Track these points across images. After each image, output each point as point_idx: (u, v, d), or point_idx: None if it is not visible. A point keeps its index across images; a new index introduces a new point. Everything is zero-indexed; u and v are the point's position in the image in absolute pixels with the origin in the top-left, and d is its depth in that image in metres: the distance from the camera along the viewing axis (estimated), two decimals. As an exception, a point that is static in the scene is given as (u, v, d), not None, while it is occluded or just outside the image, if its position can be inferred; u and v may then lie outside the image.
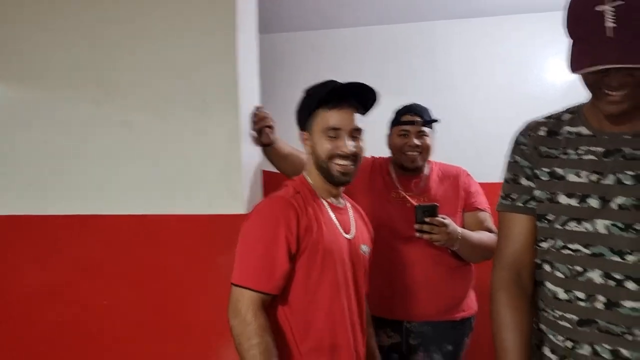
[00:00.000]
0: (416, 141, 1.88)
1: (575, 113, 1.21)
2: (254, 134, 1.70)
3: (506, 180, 1.29)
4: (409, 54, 3.14)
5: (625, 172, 1.09)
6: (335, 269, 1.37)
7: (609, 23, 0.96)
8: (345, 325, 1.38)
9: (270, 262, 1.30)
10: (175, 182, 1.64)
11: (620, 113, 1.07)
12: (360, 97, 1.43)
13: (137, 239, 1.67)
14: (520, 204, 1.24)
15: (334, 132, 1.40)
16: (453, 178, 1.95)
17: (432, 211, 1.72)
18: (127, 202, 1.67)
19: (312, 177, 1.47)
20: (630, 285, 1.07)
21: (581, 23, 1.03)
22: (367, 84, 1.41)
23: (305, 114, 1.46)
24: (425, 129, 1.90)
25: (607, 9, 0.96)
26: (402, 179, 1.94)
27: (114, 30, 1.68)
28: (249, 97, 1.69)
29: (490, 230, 1.86)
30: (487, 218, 1.90)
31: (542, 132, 1.23)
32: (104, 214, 1.69)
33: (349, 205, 1.55)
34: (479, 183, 2.02)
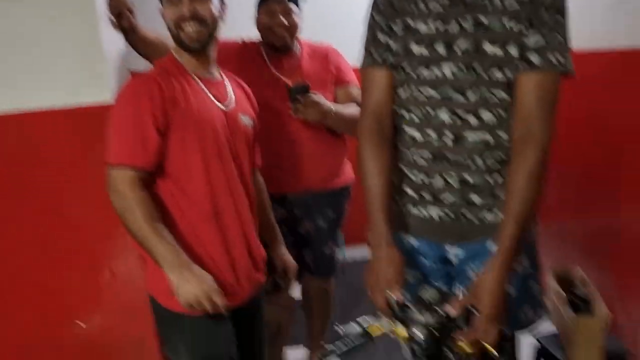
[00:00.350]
0: (283, 19, 1.89)
1: None
2: (112, 17, 1.61)
3: (366, 39, 1.38)
4: None
5: (467, 17, 1.21)
6: (209, 139, 1.41)
7: None
8: (227, 193, 1.45)
9: (140, 137, 1.32)
10: (33, 74, 1.53)
11: None
12: None
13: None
14: (378, 58, 1.34)
15: None
16: (323, 55, 2.01)
17: (305, 90, 1.80)
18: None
19: (178, 53, 1.47)
20: (472, 119, 1.24)
21: None
22: None
23: None
24: (292, 6, 1.90)
25: None
26: (274, 59, 1.96)
27: None
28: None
29: (359, 104, 1.97)
30: (357, 92, 1.99)
31: None
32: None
33: (226, 78, 1.57)
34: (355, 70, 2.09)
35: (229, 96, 1.52)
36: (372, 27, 1.35)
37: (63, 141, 1.58)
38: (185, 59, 1.46)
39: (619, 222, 2.13)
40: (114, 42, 1.63)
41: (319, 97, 1.82)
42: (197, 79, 1.46)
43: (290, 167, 1.92)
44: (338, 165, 2.06)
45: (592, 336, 1.33)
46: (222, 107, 1.48)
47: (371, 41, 1.35)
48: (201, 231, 1.43)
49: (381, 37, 1.33)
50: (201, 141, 1.40)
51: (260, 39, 1.99)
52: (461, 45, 1.22)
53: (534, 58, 1.18)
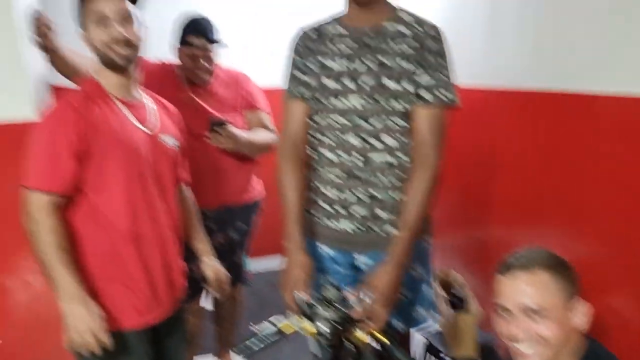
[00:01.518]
0: (205, 63, 2.05)
1: (335, 18, 1.57)
2: (37, 38, 1.66)
3: (287, 76, 1.60)
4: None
5: (368, 56, 1.46)
6: (130, 162, 1.45)
7: None
8: (145, 216, 1.50)
9: (54, 163, 1.35)
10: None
11: (364, 3, 1.45)
12: None
13: None
14: (296, 92, 1.57)
15: (103, 20, 1.41)
16: (236, 81, 2.19)
17: (222, 124, 2.00)
18: None
19: (100, 75, 1.48)
20: (376, 143, 1.48)
21: None
22: None
23: (78, 12, 1.46)
24: (212, 46, 2.06)
25: None
26: (190, 83, 2.11)
27: None
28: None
29: (268, 129, 2.20)
30: (267, 118, 2.23)
31: (311, 33, 1.57)
32: None
33: (148, 99, 1.61)
34: (266, 90, 2.27)
35: (152, 119, 1.56)
36: (292, 65, 1.59)
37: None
38: (106, 81, 1.48)
39: (491, 233, 2.48)
40: (36, 60, 1.68)
41: (234, 129, 2.01)
42: (118, 101, 1.48)
43: (207, 184, 2.06)
44: (249, 182, 2.24)
45: (467, 330, 1.50)
46: (143, 129, 1.52)
47: (290, 78, 1.59)
48: (120, 250, 1.46)
49: (298, 74, 1.56)
50: (121, 164, 1.43)
51: (179, 64, 2.11)
52: (365, 80, 1.46)
53: (425, 94, 1.45)
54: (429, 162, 1.44)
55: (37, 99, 1.65)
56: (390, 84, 1.45)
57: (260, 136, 2.15)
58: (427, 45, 1.44)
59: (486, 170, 2.38)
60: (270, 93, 2.28)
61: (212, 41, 2.05)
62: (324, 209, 1.57)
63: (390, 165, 1.49)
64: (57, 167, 1.35)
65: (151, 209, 1.52)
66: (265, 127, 2.19)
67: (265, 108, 2.23)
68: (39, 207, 1.34)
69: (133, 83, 1.53)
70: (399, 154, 1.49)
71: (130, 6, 1.46)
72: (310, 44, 1.54)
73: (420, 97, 1.45)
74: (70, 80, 1.82)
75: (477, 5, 2.30)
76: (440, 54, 1.46)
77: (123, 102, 1.50)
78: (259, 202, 2.31)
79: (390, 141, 1.48)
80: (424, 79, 1.44)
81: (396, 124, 1.47)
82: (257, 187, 2.29)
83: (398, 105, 1.45)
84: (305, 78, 1.55)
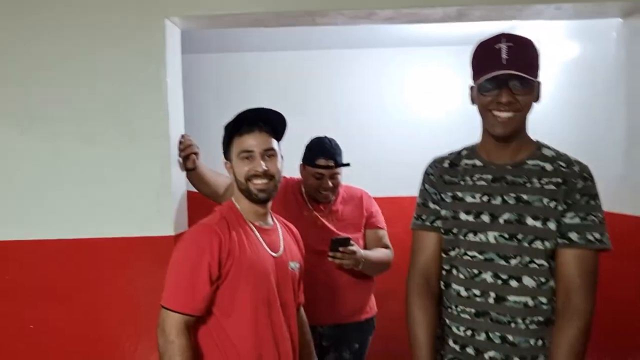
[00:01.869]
0: (330, 184, 2.12)
1: (471, 149, 1.54)
2: (180, 160, 1.83)
3: (418, 204, 1.58)
4: (314, 78, 3.38)
5: (510, 194, 1.41)
6: (259, 287, 1.49)
7: (504, 55, 1.34)
8: (270, 340, 1.52)
9: (192, 287, 1.42)
10: (106, 207, 1.73)
11: (506, 134, 1.40)
12: (270, 122, 1.58)
13: (67, 262, 1.73)
14: (428, 223, 1.53)
15: (247, 155, 1.53)
16: (357, 199, 2.23)
17: (345, 243, 1.99)
18: (54, 227, 1.73)
19: (239, 202, 1.60)
20: (513, 283, 1.39)
21: (486, 56, 1.38)
22: (274, 108, 1.56)
23: (225, 144, 1.60)
24: (338, 169, 2.13)
25: (503, 46, 1.34)
26: (313, 201, 2.18)
27: (42, 59, 1.73)
28: (177, 126, 1.82)
29: (386, 246, 2.19)
30: (385, 235, 2.22)
31: (445, 164, 1.54)
32: (32, 239, 1.73)
33: (278, 224, 1.68)
34: (376, 197, 2.31)
35: (280, 244, 1.62)
36: (424, 195, 1.56)
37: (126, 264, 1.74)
38: (244, 207, 1.57)
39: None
40: (180, 180, 1.83)
41: (356, 248, 2.01)
42: (253, 227, 1.56)
43: (323, 302, 2.05)
44: (366, 301, 2.19)
45: None
46: (274, 254, 1.57)
47: (422, 207, 1.55)
48: None
49: (431, 205, 1.53)
50: (252, 289, 1.48)
51: (302, 180, 2.20)
52: (506, 218, 1.40)
53: (573, 236, 1.35)
54: (579, 312, 1.31)
55: (178, 216, 1.78)
56: (534, 223, 1.37)
57: (380, 255, 2.13)
58: (576, 185, 1.37)
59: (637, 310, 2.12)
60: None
61: (340, 164, 2.12)
62: (452, 347, 1.47)
63: (527, 307, 1.38)
64: (195, 291, 1.42)
65: (274, 335, 1.53)
66: (384, 245, 2.18)
67: (384, 225, 2.23)
68: (173, 326, 1.40)
69: (268, 210, 1.62)
70: (538, 296, 1.38)
71: (274, 143, 1.58)
72: (445, 176, 1.52)
73: (568, 238, 1.36)
74: (201, 193, 1.96)
75: (614, 129, 2.18)
76: (591, 194, 1.37)
77: (257, 228, 1.58)
78: (374, 318, 2.24)
79: (529, 282, 1.38)
80: (573, 220, 1.36)
81: (538, 265, 1.38)
82: (372, 304, 2.24)
83: (542, 246, 1.37)
84: (438, 210, 1.51)
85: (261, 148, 1.54)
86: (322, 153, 2.10)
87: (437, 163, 1.56)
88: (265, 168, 1.53)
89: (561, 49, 2.48)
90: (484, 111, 1.41)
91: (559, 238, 1.37)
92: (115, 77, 1.73)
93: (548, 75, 2.53)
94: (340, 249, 1.97)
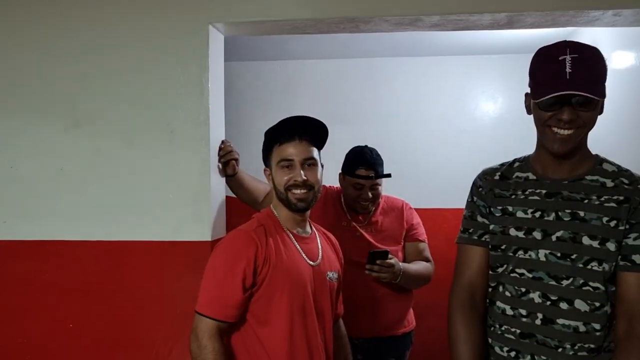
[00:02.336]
0: (370, 194, 2.07)
1: (524, 162, 1.46)
2: (220, 166, 1.82)
3: (465, 217, 1.51)
4: (356, 87, 3.35)
5: (565, 210, 1.32)
6: (296, 296, 1.46)
7: (568, 69, 1.23)
8: (305, 350, 1.48)
9: (225, 293, 1.41)
10: (144, 209, 1.74)
11: (565, 152, 1.31)
12: (311, 130, 1.56)
13: (104, 264, 1.74)
14: (476, 237, 1.45)
15: (287, 164, 1.51)
16: (398, 211, 2.17)
17: (384, 256, 1.93)
18: (94, 228, 1.75)
19: (277, 209, 1.58)
20: (564, 305, 1.30)
21: (546, 68, 1.29)
22: (315, 116, 1.54)
23: (266, 152, 1.60)
24: (379, 180, 2.08)
25: (567, 58, 1.24)
26: (352, 210, 2.13)
27: (86, 60, 1.77)
28: (218, 131, 1.82)
29: (427, 259, 2.12)
30: (425, 248, 2.15)
31: (496, 176, 1.46)
32: (71, 240, 1.75)
33: (317, 233, 1.65)
34: (417, 209, 2.25)
35: (319, 253, 1.59)
36: (472, 208, 1.48)
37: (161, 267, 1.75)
38: (282, 215, 1.56)
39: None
40: (219, 185, 1.83)
41: (394, 261, 1.94)
42: (291, 236, 1.54)
43: (360, 314, 2.00)
44: (404, 314, 2.13)
45: None
46: (311, 263, 1.54)
47: (470, 220, 1.48)
48: None
49: (479, 219, 1.45)
50: (288, 298, 1.45)
51: (341, 190, 2.16)
52: (560, 236, 1.31)
53: (637, 259, 1.26)
54: None
55: (216, 222, 1.77)
56: (591, 243, 1.28)
57: (420, 268, 2.06)
58: (638, 201, 1.27)
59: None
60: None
61: (381, 175, 2.07)
62: None
63: (577, 332, 1.29)
64: (228, 298, 1.41)
65: (309, 345, 1.50)
66: (425, 258, 2.11)
67: (425, 238, 2.17)
68: (205, 331, 1.39)
69: (307, 219, 1.60)
70: (591, 321, 1.28)
71: (314, 152, 1.55)
72: (496, 189, 1.43)
73: (632, 261, 1.26)
74: (239, 199, 1.95)
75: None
76: None
77: (295, 236, 1.55)
78: (412, 332, 2.17)
79: (582, 305, 1.29)
80: (637, 242, 1.26)
81: (592, 288, 1.28)
82: (410, 318, 2.17)
83: (598, 268, 1.28)
84: (487, 223, 1.44)
85: (301, 157, 1.52)
86: (363, 163, 2.06)
87: (487, 175, 1.48)
88: (305, 178, 1.51)
89: (617, 57, 2.36)
90: (542, 126, 1.32)
91: (621, 260, 1.27)
92: (159, 80, 1.74)
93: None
94: (378, 261, 1.91)
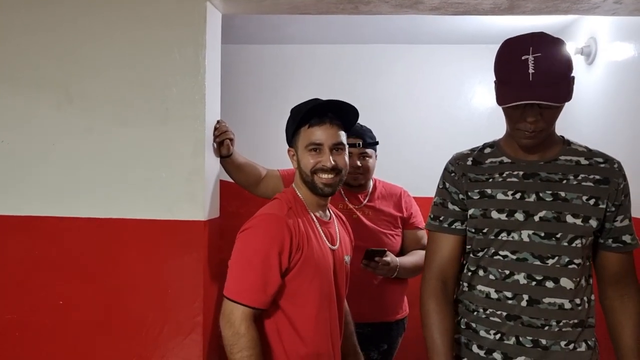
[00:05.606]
0: (358, 162, 2.05)
1: (494, 146, 1.47)
2: (215, 146, 1.80)
3: (435, 204, 1.51)
4: (353, 72, 3.33)
5: (546, 191, 1.34)
6: (322, 281, 1.46)
7: (531, 69, 1.22)
8: (327, 334, 1.49)
9: (264, 281, 1.38)
10: (136, 187, 1.72)
11: (533, 146, 1.35)
12: (341, 113, 1.54)
13: (96, 241, 1.72)
14: (446, 225, 1.46)
15: (316, 147, 1.49)
16: (396, 197, 2.16)
17: (381, 254, 1.92)
18: (85, 205, 1.73)
19: (301, 191, 1.56)
20: (550, 284, 1.32)
21: (509, 68, 1.28)
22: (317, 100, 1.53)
23: (291, 132, 1.56)
24: (368, 150, 2.08)
25: (530, 58, 1.23)
26: (349, 193, 2.12)
27: (80, 38, 1.73)
28: (213, 110, 1.79)
29: (424, 247, 2.08)
30: (424, 236, 2.14)
31: (469, 161, 1.46)
32: (61, 216, 1.73)
33: (334, 216, 1.66)
34: (415, 197, 2.24)
35: (337, 237, 1.59)
36: (443, 195, 1.49)
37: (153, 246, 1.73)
38: (306, 197, 1.54)
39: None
40: (213, 165, 1.81)
41: (391, 259, 1.94)
42: (315, 219, 1.53)
43: (354, 299, 1.97)
44: (398, 301, 2.13)
45: None
46: (332, 247, 1.54)
47: (441, 208, 1.48)
48: None
49: (450, 206, 1.46)
50: (317, 282, 1.45)
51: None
52: (543, 216, 1.33)
53: (627, 238, 1.35)
54: (636, 299, 1.38)
55: (211, 202, 1.76)
56: (576, 221, 1.31)
57: (417, 259, 2.05)
58: (620, 185, 1.34)
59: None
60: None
61: (369, 144, 2.07)
62: (477, 355, 1.39)
63: (562, 309, 1.32)
64: (266, 285, 1.38)
65: (332, 331, 1.51)
66: (423, 246, 2.09)
67: (423, 225, 2.15)
68: (242, 319, 1.37)
69: (328, 203, 1.59)
70: (574, 297, 1.33)
71: (343, 137, 1.53)
72: (470, 174, 1.44)
73: (623, 242, 1.34)
74: (235, 181, 1.93)
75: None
76: (628, 193, 1.36)
77: (318, 220, 1.54)
78: (405, 319, 2.17)
79: (567, 283, 1.32)
80: (624, 223, 1.34)
81: (576, 265, 1.32)
82: (404, 304, 2.17)
83: (581, 245, 1.32)
84: (458, 211, 1.45)
85: (330, 142, 1.50)
86: (350, 133, 2.04)
87: (459, 160, 1.48)
88: (334, 163, 1.49)
89: (614, 47, 2.35)
90: (509, 122, 1.35)
91: (613, 242, 1.34)
92: (153, 57, 1.71)
93: (599, 75, 2.43)
94: (376, 258, 1.90)
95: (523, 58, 1.23)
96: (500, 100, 1.29)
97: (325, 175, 1.49)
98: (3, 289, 1.74)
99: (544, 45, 1.24)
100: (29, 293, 1.73)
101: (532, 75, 1.22)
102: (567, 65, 1.27)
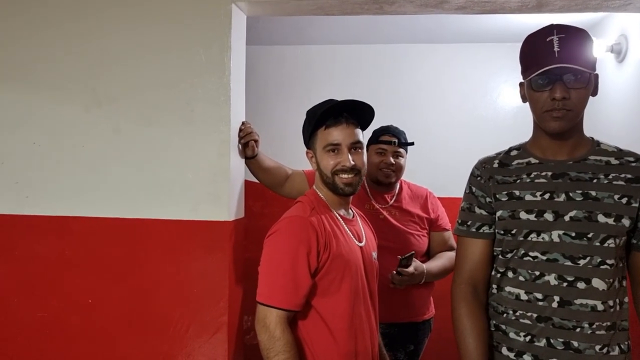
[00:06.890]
0: (392, 160, 2.06)
1: (520, 149, 1.46)
2: (240, 147, 1.81)
3: (462, 209, 1.50)
4: (377, 73, 3.31)
5: (576, 190, 1.32)
6: (353, 277, 1.46)
7: (556, 48, 1.26)
8: (365, 332, 1.49)
9: (295, 282, 1.39)
10: (162, 188, 1.74)
11: (563, 130, 1.31)
12: (356, 112, 1.53)
13: (123, 241, 1.75)
14: (474, 230, 1.45)
15: (334, 148, 1.50)
16: (422, 198, 2.16)
17: (410, 258, 1.93)
18: (113, 205, 1.76)
19: (322, 192, 1.57)
20: (581, 285, 1.29)
21: (536, 50, 1.31)
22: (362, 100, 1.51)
23: (308, 134, 1.57)
24: (401, 149, 2.09)
25: (555, 38, 1.27)
26: (375, 193, 2.11)
27: (107, 40, 1.76)
28: (238, 111, 1.81)
29: (452, 248, 2.11)
30: (451, 236, 2.15)
31: (495, 164, 1.45)
32: (90, 216, 1.76)
33: (357, 215, 1.67)
34: (440, 197, 2.23)
35: (362, 234, 1.60)
36: (470, 199, 1.48)
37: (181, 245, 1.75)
38: (328, 197, 1.55)
39: None
40: (238, 166, 1.82)
41: (414, 267, 1.95)
42: (339, 218, 1.54)
43: (380, 299, 1.97)
44: (424, 302, 2.11)
45: None
46: (359, 244, 1.54)
47: (468, 212, 1.47)
48: None
49: (477, 210, 1.45)
50: (348, 280, 1.45)
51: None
52: (574, 216, 1.31)
53: None
54: None
55: (236, 203, 1.77)
56: (608, 221, 1.29)
57: (444, 262, 2.06)
58: None
59: None
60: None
61: (403, 144, 2.09)
62: (507, 357, 1.37)
63: (594, 310, 1.29)
64: (298, 287, 1.39)
65: (371, 329, 1.52)
66: (450, 247, 2.11)
67: (449, 227, 2.16)
68: (277, 323, 1.38)
69: (350, 201, 1.60)
70: (607, 298, 1.30)
71: (360, 135, 1.54)
72: (497, 176, 1.43)
73: None
74: (260, 182, 1.94)
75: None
76: None
77: (343, 218, 1.55)
78: (431, 320, 2.16)
79: (599, 284, 1.29)
80: None
81: (609, 266, 1.29)
82: (431, 305, 2.16)
83: (614, 245, 1.29)
84: (485, 215, 1.43)
85: (348, 142, 1.50)
86: (387, 131, 2.11)
87: (485, 164, 1.47)
88: (353, 163, 1.49)
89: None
90: (537, 108, 1.33)
91: (635, 237, 1.32)
92: (180, 59, 1.74)
93: (630, 73, 2.37)
94: (398, 269, 1.92)
95: (548, 40, 1.28)
96: (525, 76, 1.32)
97: (345, 175, 1.50)
98: (34, 288, 1.78)
99: (567, 29, 1.29)
100: (59, 292, 1.77)
101: (558, 53, 1.25)
102: (591, 45, 1.30)
